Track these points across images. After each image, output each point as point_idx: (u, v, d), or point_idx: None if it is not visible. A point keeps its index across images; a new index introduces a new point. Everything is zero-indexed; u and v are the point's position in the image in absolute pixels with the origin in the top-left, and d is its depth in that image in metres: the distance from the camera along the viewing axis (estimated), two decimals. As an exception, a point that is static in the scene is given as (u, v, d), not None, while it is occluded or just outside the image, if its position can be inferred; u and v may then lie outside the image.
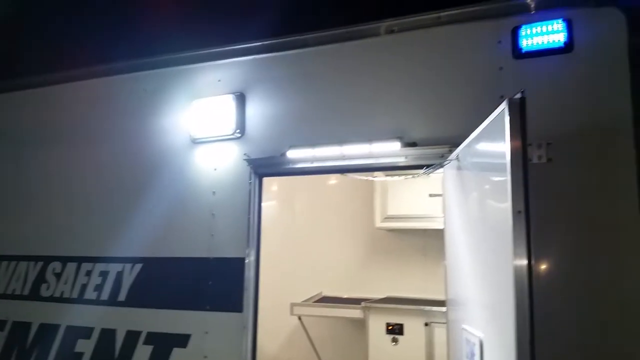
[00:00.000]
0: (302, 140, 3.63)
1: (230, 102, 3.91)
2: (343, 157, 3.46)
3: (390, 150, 3.32)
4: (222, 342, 3.71)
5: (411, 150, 3.27)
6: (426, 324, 4.89)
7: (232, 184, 3.86)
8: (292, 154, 3.63)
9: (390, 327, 5.06)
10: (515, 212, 1.91)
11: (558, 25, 2.92)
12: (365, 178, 4.40)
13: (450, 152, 3.12)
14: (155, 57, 4.27)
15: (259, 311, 3.67)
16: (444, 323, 4.71)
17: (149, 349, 3.89)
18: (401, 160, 3.32)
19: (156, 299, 3.93)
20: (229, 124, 3.90)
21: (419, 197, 5.35)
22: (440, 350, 4.76)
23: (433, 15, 3.39)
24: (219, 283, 3.77)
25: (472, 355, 2.27)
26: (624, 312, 2.60)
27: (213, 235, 3.86)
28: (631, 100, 2.68)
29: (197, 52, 4.11)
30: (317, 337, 5.70)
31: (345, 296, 5.81)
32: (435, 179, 5.17)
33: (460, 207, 2.76)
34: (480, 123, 2.99)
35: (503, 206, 2.01)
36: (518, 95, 2.04)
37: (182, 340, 3.80)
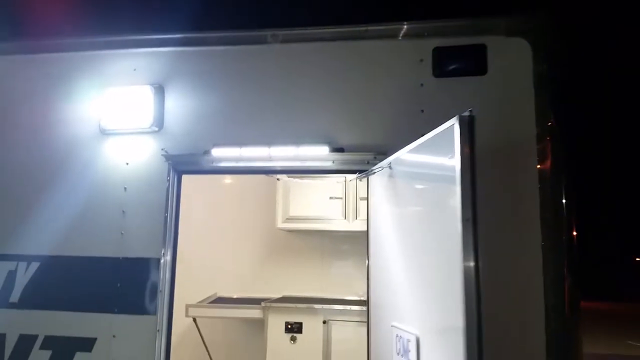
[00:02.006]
0: (226, 138, 3.58)
1: (147, 93, 3.71)
2: (270, 159, 3.49)
3: (318, 154, 3.43)
4: (132, 346, 3.51)
5: (338, 155, 3.41)
6: (324, 322, 5.07)
7: (147, 180, 3.67)
8: (217, 152, 3.57)
9: (289, 326, 5.16)
10: (464, 220, 2.11)
11: (474, 50, 3.27)
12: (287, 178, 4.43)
13: (375, 158, 3.32)
14: (62, 39, 3.88)
15: (173, 314, 3.53)
16: (342, 320, 5.00)
17: (46, 354, 3.53)
18: (328, 165, 3.44)
19: (56, 301, 3.59)
20: (146, 117, 3.70)
21: (320, 200, 5.55)
22: (337, 346, 4.99)
23: (361, 28, 3.57)
24: (129, 284, 3.56)
25: (406, 351, 2.43)
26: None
27: (123, 234, 3.63)
28: (535, 120, 3.11)
29: (110, 39, 3.82)
30: (212, 339, 5.60)
31: (239, 296, 5.79)
32: (335, 183, 5.43)
33: (392, 211, 2.96)
34: (402, 133, 3.26)
35: (448, 214, 2.20)
36: (466, 113, 2.26)
37: (86, 344, 3.51)
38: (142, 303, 3.52)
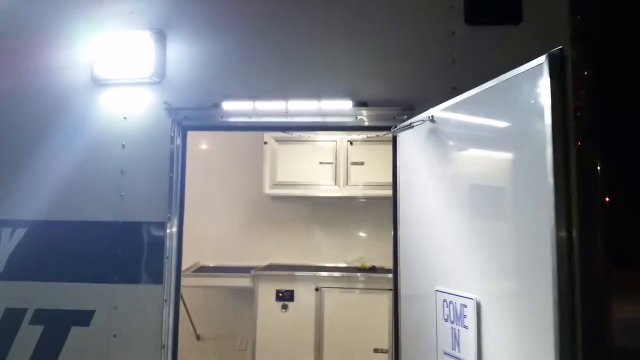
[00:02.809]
0: (238, 91, 3.28)
1: (147, 39, 3.32)
2: (287, 114, 3.23)
3: (340, 108, 3.20)
4: (135, 318, 3.21)
5: (362, 110, 3.19)
6: (317, 289, 4.94)
7: (148, 136, 3.31)
8: (228, 105, 3.26)
9: (280, 294, 4.98)
10: (557, 185, 1.83)
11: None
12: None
13: (403, 114, 3.13)
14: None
15: (181, 282, 3.25)
16: (335, 288, 4.87)
17: (37, 329, 3.16)
18: (350, 121, 3.22)
19: (47, 271, 3.20)
20: (145, 66, 3.32)
21: (309, 165, 5.35)
22: (330, 314, 4.88)
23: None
24: (131, 251, 3.23)
25: (459, 316, 2.28)
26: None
27: (123, 196, 3.28)
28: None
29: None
30: (198, 310, 5.34)
31: (223, 265, 5.53)
32: (324, 147, 5.23)
33: (438, 171, 2.71)
34: (432, 87, 3.08)
35: (531, 176, 1.95)
36: (556, 51, 1.94)
37: (82, 317, 3.18)
38: (146, 271, 3.22)
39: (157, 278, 3.20)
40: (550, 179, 1.81)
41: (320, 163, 5.31)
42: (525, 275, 1.98)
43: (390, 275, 4.87)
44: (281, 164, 5.36)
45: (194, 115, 3.28)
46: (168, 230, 3.23)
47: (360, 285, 4.97)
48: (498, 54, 3.04)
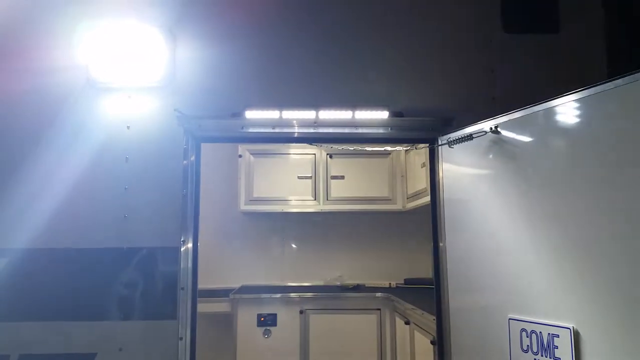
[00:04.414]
0: (259, 99, 2.96)
1: (154, 36, 2.91)
2: (316, 124, 2.97)
3: (374, 118, 2.99)
4: (144, 359, 2.74)
5: (398, 121, 3.01)
6: (301, 312, 4.67)
7: (156, 148, 2.89)
8: (251, 115, 2.93)
9: (262, 319, 4.64)
10: None
11: (546, 5, 3.10)
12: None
13: (436, 123, 2.99)
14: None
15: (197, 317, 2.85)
16: (318, 309, 4.63)
17: (24, 382, 2.59)
18: (385, 132, 3.03)
19: (34, 308, 2.64)
20: (152, 68, 2.90)
21: (287, 179, 5.09)
22: (315, 336, 4.63)
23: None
24: (138, 282, 2.78)
25: (549, 348, 2.16)
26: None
27: (127, 217, 2.81)
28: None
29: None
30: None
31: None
32: (303, 161, 5.00)
33: (505, 185, 2.56)
34: (472, 96, 2.98)
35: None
36: None
37: (82, 363, 2.66)
38: (157, 305, 2.78)
39: (169, 313, 2.77)
40: None
41: (299, 177, 5.06)
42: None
43: (379, 294, 4.76)
44: (257, 178, 5.04)
45: (209, 125, 2.90)
46: (182, 257, 2.81)
47: (347, 306, 4.76)
48: (536, 63, 3.02)
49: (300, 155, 5.11)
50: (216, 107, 2.94)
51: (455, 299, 2.83)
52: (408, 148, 4.84)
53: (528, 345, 2.27)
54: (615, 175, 2.00)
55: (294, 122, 2.95)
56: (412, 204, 4.86)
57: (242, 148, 5.03)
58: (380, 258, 5.38)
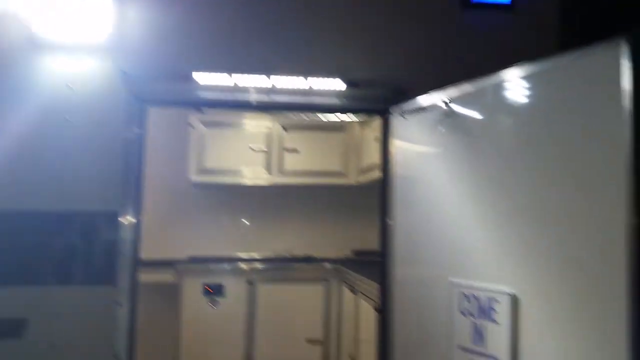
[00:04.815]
0: (212, 62, 2.89)
1: (98, -7, 2.78)
2: (269, 91, 2.93)
3: (329, 89, 2.97)
4: (80, 325, 2.69)
5: (353, 91, 2.99)
6: (249, 282, 4.68)
7: (99, 110, 2.78)
8: (201, 78, 2.86)
9: (209, 289, 4.63)
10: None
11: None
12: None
13: (389, 94, 2.99)
14: None
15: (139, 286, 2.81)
16: (266, 279, 4.66)
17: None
18: (338, 102, 3.01)
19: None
20: (98, 25, 2.78)
21: (240, 151, 5.03)
22: (262, 305, 4.67)
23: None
24: (76, 246, 2.70)
25: (487, 310, 2.22)
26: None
27: (65, 181, 2.72)
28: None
29: None
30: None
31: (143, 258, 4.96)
32: (256, 133, 4.96)
33: (456, 158, 2.58)
34: (428, 69, 2.99)
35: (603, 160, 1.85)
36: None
37: (12, 328, 2.57)
38: (95, 271, 2.71)
39: (108, 279, 2.71)
40: (625, 162, 1.74)
41: (253, 150, 5.01)
42: (584, 270, 1.91)
43: (328, 265, 4.82)
44: (209, 149, 4.95)
45: (157, 88, 2.82)
46: (122, 223, 2.75)
47: (295, 277, 4.81)
48: (492, 39, 3.06)
49: (255, 127, 5.05)
50: (165, 70, 2.85)
51: (401, 268, 2.90)
52: (363, 121, 4.87)
53: (468, 309, 2.33)
54: (562, 148, 2.04)
55: (247, 88, 2.90)
56: (364, 178, 4.90)
57: (193, 118, 4.92)
58: (331, 231, 5.43)
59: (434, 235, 2.61)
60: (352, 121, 5.05)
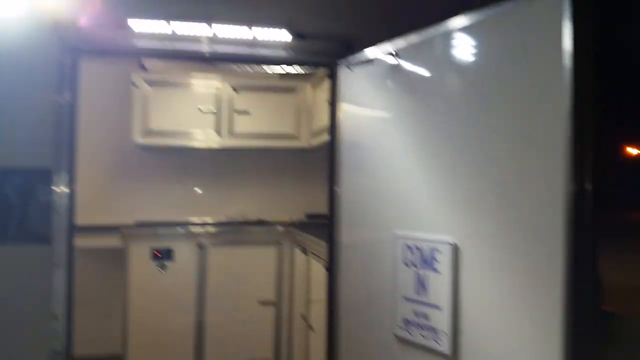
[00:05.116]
0: (147, 8, 2.73)
1: None
2: (212, 41, 2.80)
3: (276, 40, 2.87)
4: (12, 287, 2.56)
5: (299, 43, 2.90)
6: (199, 246, 4.60)
7: (27, 61, 2.60)
8: (138, 25, 2.69)
9: (157, 254, 4.52)
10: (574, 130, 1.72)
11: None
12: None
13: (337, 47, 2.92)
14: None
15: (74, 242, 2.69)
16: (217, 243, 4.60)
17: None
18: (285, 54, 2.91)
19: None
20: (20, -33, 2.56)
21: (187, 112, 4.87)
22: (213, 268, 4.62)
23: None
24: (10, 203, 2.55)
25: (429, 260, 2.24)
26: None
27: (-9, 134, 2.54)
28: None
29: None
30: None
31: (85, 224, 4.79)
32: (205, 93, 4.81)
33: (401, 113, 2.55)
34: (370, 21, 2.91)
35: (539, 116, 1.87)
36: None
37: None
38: (32, 229, 2.57)
39: (41, 237, 2.58)
40: (563, 119, 1.76)
41: (201, 111, 4.85)
42: (524, 221, 1.92)
43: (280, 228, 4.79)
44: (155, 110, 4.76)
45: (91, 37, 2.64)
46: (56, 179, 2.60)
47: (246, 240, 4.76)
48: None
49: (203, 87, 4.89)
50: (98, 16, 2.67)
51: (348, 228, 2.88)
52: (314, 83, 4.79)
53: (411, 260, 2.34)
54: (506, 101, 2.03)
55: (187, 37, 2.76)
56: (316, 141, 4.85)
57: (137, 77, 4.71)
58: (284, 194, 5.39)
59: (380, 191, 2.61)
60: (304, 83, 4.97)
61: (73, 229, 2.65)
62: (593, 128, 1.80)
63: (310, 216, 5.19)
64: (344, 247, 2.87)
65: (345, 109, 2.86)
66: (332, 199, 2.89)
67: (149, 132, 4.71)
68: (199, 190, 5.25)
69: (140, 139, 4.68)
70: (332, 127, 2.90)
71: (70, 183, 2.64)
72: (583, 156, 1.76)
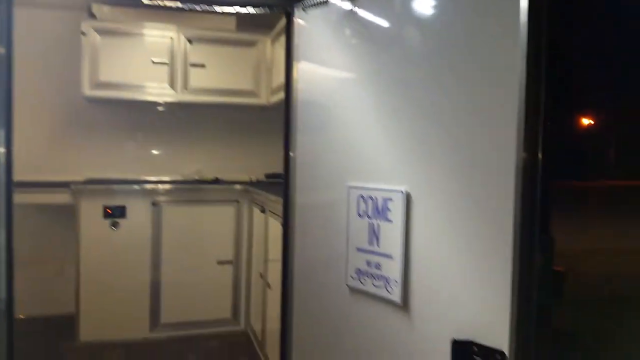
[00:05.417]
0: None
1: None
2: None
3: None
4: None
5: None
6: (154, 204, 4.48)
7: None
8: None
9: (109, 211, 4.39)
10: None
11: None
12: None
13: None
14: None
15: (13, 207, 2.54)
16: (173, 201, 4.49)
17: None
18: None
19: None
20: None
21: (140, 64, 4.66)
22: (169, 227, 4.52)
23: None
24: None
25: (384, 209, 2.21)
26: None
27: None
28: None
29: None
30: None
31: (32, 180, 4.58)
32: (158, 44, 4.60)
33: (360, 60, 2.44)
34: None
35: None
36: None
37: None
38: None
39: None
40: (519, 77, 1.72)
41: (154, 63, 4.65)
42: (476, 170, 1.91)
43: (237, 187, 4.70)
44: (105, 61, 4.53)
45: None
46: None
47: (203, 198, 4.66)
48: None
49: (156, 38, 4.66)
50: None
51: (303, 186, 2.83)
52: (274, 37, 4.63)
53: (364, 211, 2.31)
54: (463, 53, 1.98)
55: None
56: (275, 98, 4.74)
57: (85, 25, 4.45)
58: (243, 153, 5.29)
59: (336, 146, 2.55)
60: (263, 37, 4.82)
61: (11, 187, 2.50)
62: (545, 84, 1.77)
63: (270, 176, 5.12)
64: (299, 207, 2.82)
65: (302, 63, 2.76)
66: (287, 156, 2.82)
67: (98, 85, 4.49)
68: (154, 150, 5.08)
69: (89, 91, 4.46)
70: (288, 76, 2.80)
71: (7, 141, 2.47)
72: (537, 109, 1.74)
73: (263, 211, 4.18)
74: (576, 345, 2.32)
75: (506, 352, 1.75)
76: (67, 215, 4.33)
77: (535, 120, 1.76)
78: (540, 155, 1.76)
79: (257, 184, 4.97)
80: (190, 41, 4.69)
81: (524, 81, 1.74)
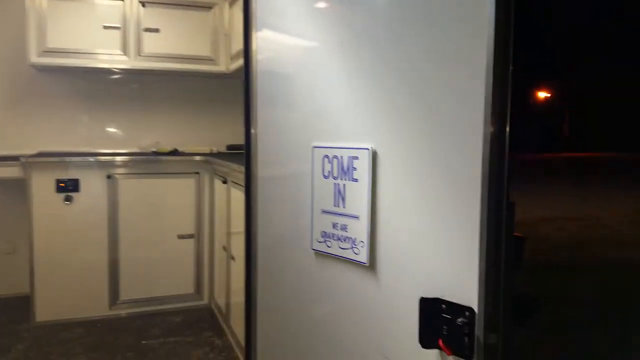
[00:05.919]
0: None
1: None
2: None
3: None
4: None
5: None
6: (109, 177, 4.30)
7: None
8: None
9: (62, 185, 4.18)
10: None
11: None
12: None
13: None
14: None
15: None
16: (129, 173, 4.32)
17: None
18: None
19: None
20: None
21: (90, 29, 4.41)
22: (125, 201, 4.36)
23: None
24: None
25: (350, 169, 2.14)
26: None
27: None
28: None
29: None
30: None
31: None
32: (109, 8, 4.36)
33: (327, 17, 2.35)
34: None
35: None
36: None
37: None
38: None
39: None
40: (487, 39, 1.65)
41: (105, 27, 4.40)
42: (444, 126, 1.84)
43: (197, 158, 4.56)
44: (52, 26, 4.26)
45: None
46: None
47: (162, 170, 4.49)
48: None
49: (107, 0, 4.41)
50: None
51: (265, 155, 2.71)
52: (231, 1, 4.44)
53: (329, 171, 2.23)
54: (436, 17, 1.88)
55: None
56: (235, 65, 4.57)
57: (29, -14, 4.15)
58: (202, 123, 5.12)
59: (299, 111, 2.43)
60: (221, 0, 4.61)
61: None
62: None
63: (231, 147, 4.98)
64: (262, 178, 2.72)
65: (261, 31, 2.62)
66: (248, 131, 2.70)
67: (46, 52, 4.22)
68: (109, 122, 4.86)
69: (35, 59, 4.19)
70: (247, 43, 2.66)
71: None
72: (505, 67, 1.68)
73: (225, 182, 4.05)
74: (535, 306, 2.37)
75: (475, 308, 1.72)
76: (18, 189, 4.10)
77: (504, 93, 1.72)
78: (507, 129, 1.72)
79: (218, 155, 4.83)
80: (143, 4, 4.46)
81: (492, 31, 1.67)
